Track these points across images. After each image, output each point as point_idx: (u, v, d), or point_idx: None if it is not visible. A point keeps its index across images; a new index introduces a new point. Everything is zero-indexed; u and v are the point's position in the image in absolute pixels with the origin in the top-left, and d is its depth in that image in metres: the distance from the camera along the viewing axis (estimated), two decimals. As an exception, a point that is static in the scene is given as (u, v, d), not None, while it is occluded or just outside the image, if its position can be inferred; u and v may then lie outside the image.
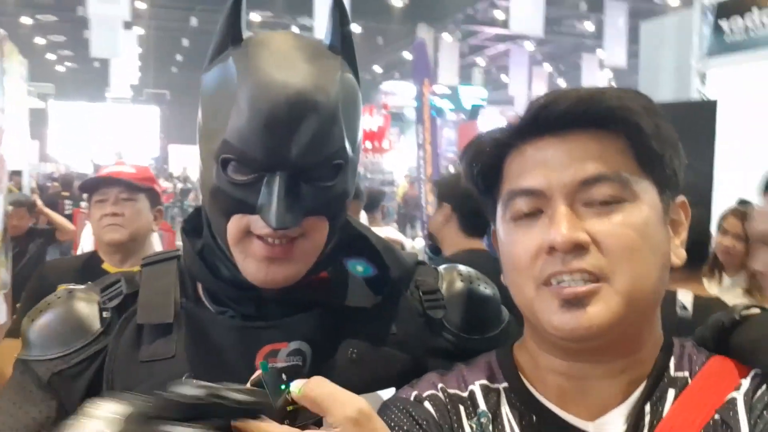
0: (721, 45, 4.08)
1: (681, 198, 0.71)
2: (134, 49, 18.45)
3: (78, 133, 24.88)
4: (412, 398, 0.71)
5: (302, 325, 0.76)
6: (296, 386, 0.57)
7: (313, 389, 0.56)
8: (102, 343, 0.78)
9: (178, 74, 28.69)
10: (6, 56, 3.93)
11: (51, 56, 24.88)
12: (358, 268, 0.83)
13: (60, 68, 26.79)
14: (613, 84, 24.01)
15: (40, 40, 22.34)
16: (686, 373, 0.68)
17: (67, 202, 7.35)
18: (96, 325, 0.79)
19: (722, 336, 0.70)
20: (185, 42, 22.34)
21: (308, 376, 0.58)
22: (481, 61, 23.61)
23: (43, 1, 18.21)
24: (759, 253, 1.24)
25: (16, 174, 5.64)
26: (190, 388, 0.53)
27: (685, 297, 1.54)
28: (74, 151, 23.95)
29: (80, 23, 15.95)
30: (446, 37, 18.78)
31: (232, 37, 0.74)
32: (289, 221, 0.68)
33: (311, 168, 0.71)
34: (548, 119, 0.67)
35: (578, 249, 0.63)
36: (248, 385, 0.60)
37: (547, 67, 23.30)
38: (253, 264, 0.73)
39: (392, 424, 0.67)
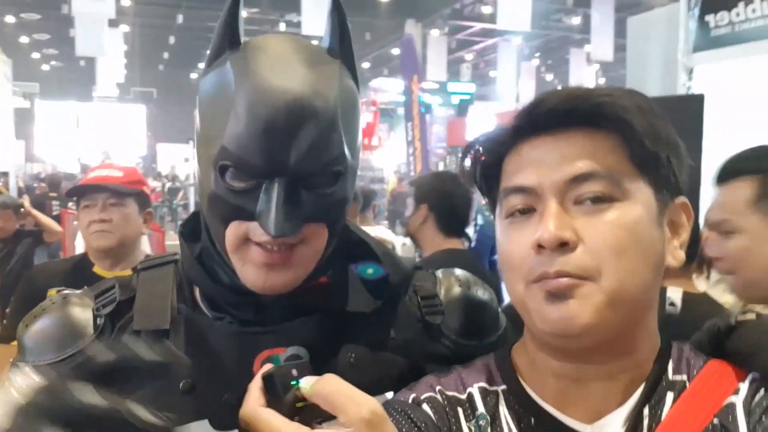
0: (707, 40, 4.10)
1: (682, 199, 0.71)
2: (120, 47, 18.29)
3: (64, 133, 24.67)
4: (410, 401, 0.71)
5: (300, 330, 0.76)
6: (307, 383, 0.57)
7: (326, 387, 0.56)
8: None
9: (165, 72, 28.50)
10: (-10, 56, 3.89)
11: (36, 55, 24.62)
12: (369, 270, 0.83)
13: (45, 67, 26.52)
14: (601, 78, 24.08)
15: (24, 39, 22.09)
16: (684, 377, 0.68)
17: (54, 202, 7.28)
18: (90, 331, 0.79)
19: (719, 340, 0.71)
20: (171, 39, 22.18)
21: None
22: (468, 56, 23.62)
23: (26, 0, 18.01)
24: (710, 240, 1.33)
25: (2, 175, 5.59)
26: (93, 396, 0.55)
27: (675, 294, 1.55)
28: (61, 150, 23.75)
29: (65, 21, 15.80)
30: (434, 32, 18.77)
31: (230, 40, 0.73)
32: (288, 229, 0.68)
33: (310, 175, 0.70)
34: (540, 117, 0.67)
35: (564, 247, 0.63)
36: (258, 379, 0.59)
37: (535, 62, 23.34)
38: (252, 270, 0.72)
39: None
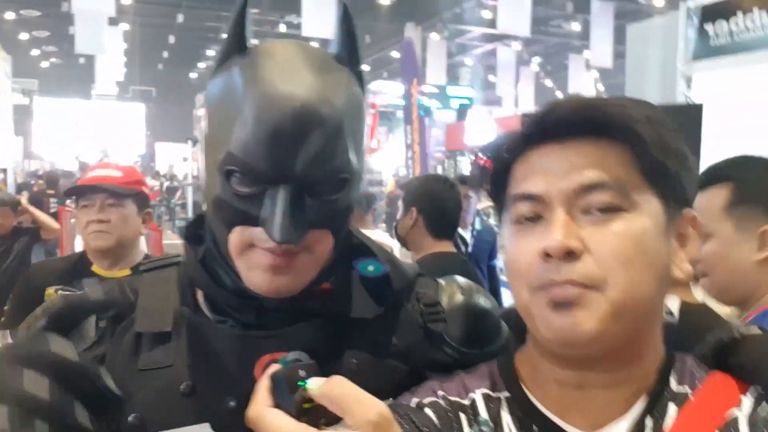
0: (706, 48, 4.12)
1: (690, 211, 0.70)
2: (120, 46, 18.27)
3: (63, 130, 24.63)
4: (413, 405, 0.71)
5: (302, 334, 0.76)
6: (315, 384, 0.57)
7: (334, 388, 0.56)
8: (96, 352, 0.77)
9: (164, 71, 28.47)
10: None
11: (35, 52, 24.59)
12: (369, 267, 0.82)
13: (44, 64, 26.49)
14: (600, 85, 24.11)
15: (24, 36, 22.06)
16: (687, 388, 0.68)
17: (52, 200, 7.27)
18: (91, 333, 0.79)
19: (722, 353, 0.71)
20: (171, 39, 22.17)
21: None
22: (468, 60, 23.66)
23: (27, -4, 18.00)
24: None
25: (1, 171, 5.59)
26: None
27: (672, 303, 1.56)
28: (59, 148, 23.71)
29: (65, 19, 15.77)
30: (434, 36, 18.79)
31: (238, 45, 0.73)
32: (292, 235, 0.68)
33: (316, 182, 0.70)
34: (550, 125, 0.67)
35: (571, 256, 0.63)
36: (266, 378, 0.60)
37: (534, 67, 23.38)
38: (257, 274, 0.72)
39: None
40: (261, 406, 0.58)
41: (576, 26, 19.25)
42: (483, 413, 0.70)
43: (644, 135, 0.64)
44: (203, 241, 0.81)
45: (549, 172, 0.67)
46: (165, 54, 25.08)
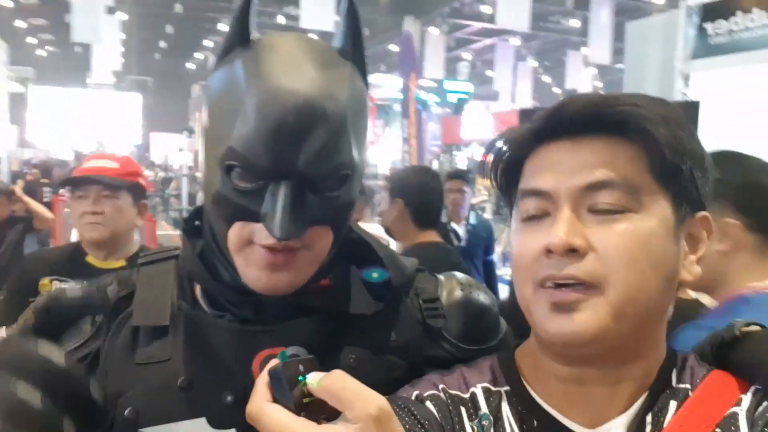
0: (705, 47, 4.12)
1: (703, 213, 0.69)
2: (117, 35, 18.17)
3: (58, 119, 24.50)
4: (413, 397, 0.71)
5: (300, 330, 0.76)
6: (314, 378, 0.57)
7: (334, 382, 0.56)
8: (92, 346, 0.77)
9: (162, 61, 28.36)
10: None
11: (32, 40, 24.44)
12: (374, 275, 0.82)
13: (41, 52, 26.34)
14: (598, 81, 24.10)
15: (20, 24, 21.92)
16: (688, 385, 0.68)
17: (46, 189, 7.24)
18: (87, 327, 0.78)
19: (722, 351, 0.71)
20: (169, 29, 22.08)
21: None
22: (466, 55, 23.63)
23: (23, -16, 17.89)
24: None
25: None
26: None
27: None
28: (54, 137, 23.60)
29: (62, 7, 15.66)
30: (432, 30, 18.76)
31: (240, 38, 0.72)
32: (293, 232, 0.67)
33: (318, 178, 0.69)
34: (560, 122, 0.67)
35: (574, 254, 0.63)
36: (265, 374, 0.59)
37: (532, 63, 23.37)
38: (255, 271, 0.72)
39: None
40: (260, 401, 0.57)
41: (575, 23, 19.25)
42: (483, 407, 0.70)
43: (657, 135, 0.63)
44: (202, 235, 0.80)
45: (558, 168, 0.66)
46: (162, 44, 24.98)
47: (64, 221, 5.58)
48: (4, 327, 1.81)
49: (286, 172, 0.68)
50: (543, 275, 0.65)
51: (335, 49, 0.75)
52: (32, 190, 6.48)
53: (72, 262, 1.93)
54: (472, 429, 0.69)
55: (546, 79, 27.26)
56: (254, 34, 0.73)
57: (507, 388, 0.72)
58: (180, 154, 16.26)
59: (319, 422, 0.55)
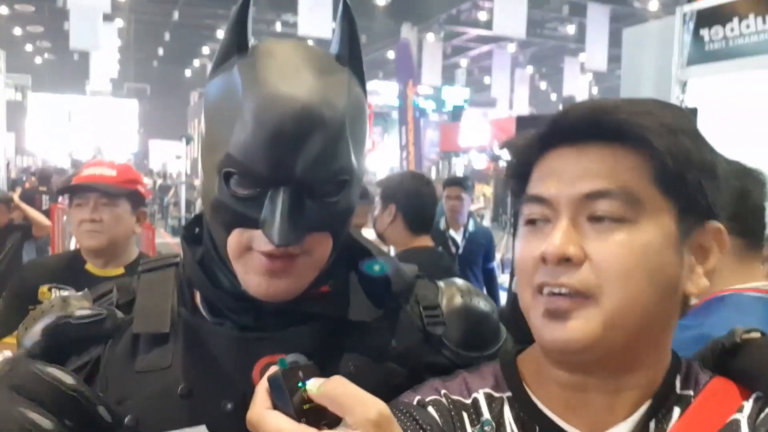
0: (701, 53, 4.14)
1: (714, 224, 0.67)
2: (114, 42, 18.23)
3: (56, 126, 24.51)
4: (415, 402, 0.71)
5: (300, 337, 0.75)
6: (314, 384, 0.57)
7: (334, 388, 0.56)
8: (92, 354, 0.77)
9: (159, 68, 28.37)
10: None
11: (29, 47, 24.46)
12: (375, 267, 0.82)
13: (38, 60, 26.36)
14: (594, 88, 24.10)
15: (18, 31, 21.95)
16: (691, 392, 0.68)
17: (44, 197, 7.23)
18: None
19: (722, 358, 0.71)
20: (167, 36, 22.10)
21: None
22: (463, 62, 23.69)
23: (21, -9, 17.90)
24: None
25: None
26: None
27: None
28: (52, 144, 23.60)
29: (59, 14, 15.71)
30: (430, 37, 18.81)
31: (238, 45, 0.72)
32: (292, 238, 0.67)
33: (316, 184, 0.69)
34: (563, 129, 0.67)
35: (568, 263, 0.63)
36: (265, 381, 0.59)
37: (529, 70, 23.44)
38: (254, 278, 0.71)
39: None
40: (260, 408, 0.57)
41: (571, 29, 19.32)
42: (485, 413, 0.70)
43: (657, 144, 0.62)
44: (201, 242, 0.80)
45: (561, 176, 0.66)
46: (160, 51, 24.99)
47: (63, 229, 5.58)
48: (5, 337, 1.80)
49: (284, 179, 0.67)
50: (539, 282, 0.65)
51: (332, 55, 0.75)
52: (31, 198, 6.48)
53: (71, 270, 1.93)
54: None
55: (543, 85, 27.34)
56: (251, 41, 0.73)
57: (509, 393, 0.72)
58: (178, 161, 16.26)
59: (319, 428, 0.55)
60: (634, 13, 16.33)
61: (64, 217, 5.31)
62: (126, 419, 0.72)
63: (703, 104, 3.62)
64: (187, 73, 29.27)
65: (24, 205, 4.62)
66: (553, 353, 0.67)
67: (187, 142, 12.23)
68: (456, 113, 19.43)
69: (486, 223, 11.24)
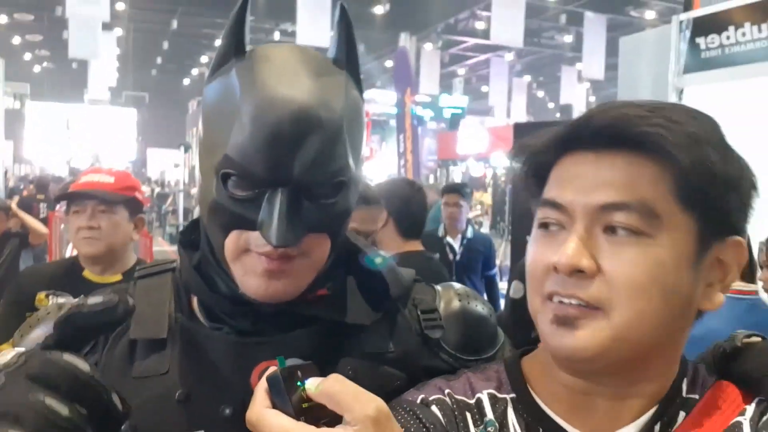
0: (697, 62, 4.16)
1: (735, 238, 0.65)
2: (113, 51, 18.25)
3: (54, 135, 24.53)
4: (418, 401, 0.71)
5: (299, 341, 0.75)
6: (313, 383, 0.57)
7: (333, 386, 0.56)
8: (89, 360, 0.76)
9: (158, 77, 28.42)
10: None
11: (28, 56, 24.50)
12: (377, 260, 0.81)
13: (37, 68, 26.39)
14: (592, 96, 24.16)
15: (16, 40, 22.00)
16: (697, 396, 0.68)
17: (42, 205, 7.23)
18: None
19: (724, 362, 0.71)
20: (165, 45, 22.16)
21: None
22: (461, 70, 23.78)
23: (20, 0, 17.95)
24: None
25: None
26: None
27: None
28: (50, 152, 23.60)
29: (58, 23, 15.74)
30: (428, 46, 18.89)
31: (235, 48, 0.72)
32: (290, 239, 0.67)
33: (314, 185, 0.70)
34: (585, 134, 0.65)
35: (581, 274, 0.62)
36: (264, 381, 0.59)
37: (527, 78, 23.52)
38: (253, 280, 0.71)
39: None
40: (260, 407, 0.57)
41: (568, 38, 19.41)
42: (489, 413, 0.70)
43: (680, 159, 0.60)
44: (198, 247, 0.81)
45: (578, 182, 0.64)
46: (159, 60, 25.06)
47: (60, 237, 5.57)
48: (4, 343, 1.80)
49: (282, 180, 0.68)
50: (550, 290, 0.65)
51: (329, 59, 0.76)
52: (28, 206, 6.47)
53: (69, 277, 1.92)
54: None
55: (540, 94, 27.44)
56: (249, 45, 0.74)
57: (513, 395, 0.71)
58: (176, 169, 16.28)
59: (318, 427, 0.55)
60: (631, 22, 16.43)
61: (62, 225, 5.31)
62: (123, 426, 0.72)
63: (699, 112, 3.62)
64: (186, 81, 29.32)
65: (22, 213, 4.62)
66: (560, 359, 0.66)
67: (185, 151, 12.25)
68: (454, 121, 19.49)
69: (484, 230, 11.25)
